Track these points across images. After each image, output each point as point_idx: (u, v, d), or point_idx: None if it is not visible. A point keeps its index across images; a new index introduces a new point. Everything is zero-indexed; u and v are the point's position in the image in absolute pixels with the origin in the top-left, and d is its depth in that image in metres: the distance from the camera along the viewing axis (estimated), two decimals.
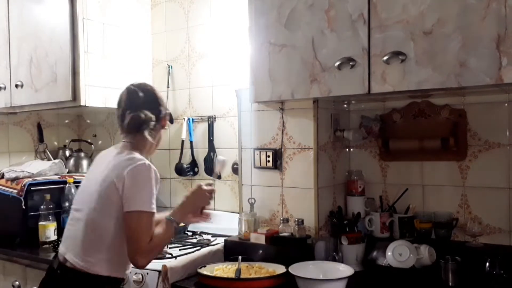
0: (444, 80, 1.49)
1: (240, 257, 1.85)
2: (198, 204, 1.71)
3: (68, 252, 1.61)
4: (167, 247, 2.16)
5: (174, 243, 2.25)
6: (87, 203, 1.61)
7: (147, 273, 1.86)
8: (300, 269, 1.71)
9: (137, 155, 1.61)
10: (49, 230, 2.40)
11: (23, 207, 2.47)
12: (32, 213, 2.49)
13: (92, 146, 3.13)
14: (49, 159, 2.96)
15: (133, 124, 1.69)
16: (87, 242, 1.58)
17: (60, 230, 2.45)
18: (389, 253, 1.77)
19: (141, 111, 1.68)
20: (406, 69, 1.55)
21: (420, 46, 1.53)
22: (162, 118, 1.74)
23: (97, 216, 1.57)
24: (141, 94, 1.71)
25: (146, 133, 1.68)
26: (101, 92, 2.56)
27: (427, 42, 1.52)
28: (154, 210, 1.54)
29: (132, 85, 1.76)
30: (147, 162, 1.58)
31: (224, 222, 2.45)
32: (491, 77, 1.41)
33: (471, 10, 1.44)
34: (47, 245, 2.36)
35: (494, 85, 1.47)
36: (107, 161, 1.66)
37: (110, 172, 1.57)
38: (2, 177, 2.64)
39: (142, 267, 1.56)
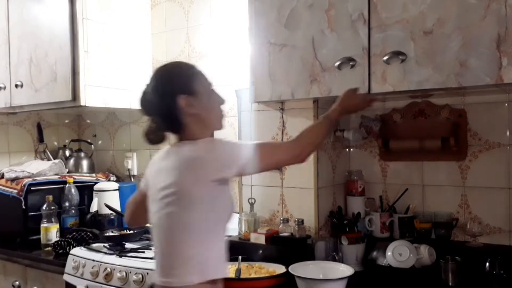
0: (444, 80, 1.49)
1: (240, 257, 1.85)
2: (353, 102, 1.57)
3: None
4: None
5: None
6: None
7: (147, 273, 1.87)
8: (300, 269, 1.71)
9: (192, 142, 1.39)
10: (51, 232, 2.39)
11: (23, 207, 2.47)
12: (32, 213, 2.49)
13: (92, 146, 3.13)
14: (49, 159, 2.96)
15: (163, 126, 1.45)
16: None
17: (61, 231, 2.46)
18: (389, 253, 1.77)
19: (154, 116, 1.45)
20: (406, 69, 1.55)
21: (420, 46, 1.53)
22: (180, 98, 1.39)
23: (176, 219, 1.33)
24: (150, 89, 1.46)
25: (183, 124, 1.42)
26: (101, 92, 2.56)
27: (427, 42, 1.51)
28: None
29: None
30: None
31: None
32: (491, 77, 1.41)
33: (471, 10, 1.44)
34: (49, 248, 2.35)
35: (494, 85, 1.47)
36: (169, 165, 1.39)
37: (182, 169, 1.33)
38: (2, 177, 2.63)
39: (304, 158, 1.43)
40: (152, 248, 2.19)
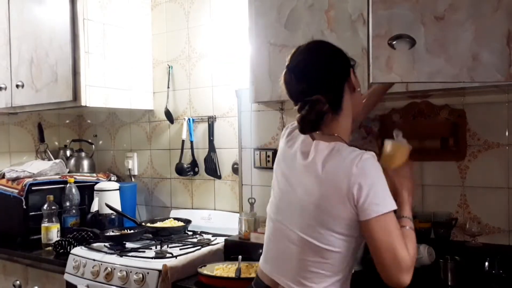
0: (457, 73, 1.37)
1: (240, 257, 1.86)
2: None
3: (280, 275, 1.31)
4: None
5: (175, 243, 2.26)
6: (298, 217, 1.28)
7: (148, 273, 1.87)
8: None
9: (347, 147, 1.25)
10: (51, 232, 2.40)
11: (24, 207, 2.48)
12: (33, 213, 2.50)
13: (93, 146, 3.14)
14: (49, 159, 2.96)
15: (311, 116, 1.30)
16: (307, 267, 1.25)
17: (62, 231, 2.47)
18: None
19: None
20: (416, 57, 1.38)
21: (431, 32, 1.38)
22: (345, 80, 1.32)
23: (317, 235, 1.23)
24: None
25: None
26: (102, 92, 2.57)
27: (439, 29, 1.38)
28: (395, 206, 1.21)
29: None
30: (368, 152, 1.22)
31: (224, 222, 2.45)
32: (502, 74, 1.34)
33: None
34: (50, 247, 2.36)
35: (500, 84, 1.43)
36: (314, 165, 1.26)
37: (330, 180, 1.21)
38: (3, 177, 2.64)
39: (405, 285, 1.19)
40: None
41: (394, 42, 1.40)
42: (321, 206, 1.22)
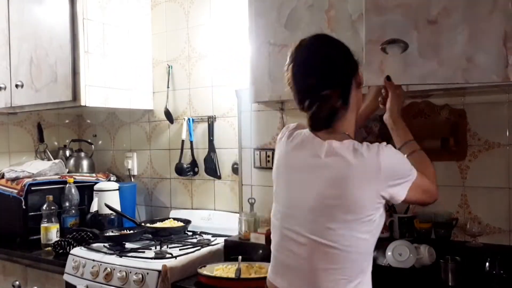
0: (451, 75, 1.39)
1: (240, 257, 1.86)
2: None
3: None
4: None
5: (174, 243, 2.25)
6: (310, 221, 1.23)
7: (147, 273, 1.87)
8: None
9: (362, 144, 1.22)
10: (51, 232, 2.39)
11: (23, 207, 2.47)
12: (32, 213, 2.49)
13: (92, 146, 3.14)
14: (49, 159, 2.96)
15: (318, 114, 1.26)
16: (320, 277, 1.21)
17: (61, 231, 2.46)
18: (389, 253, 1.77)
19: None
20: (408, 60, 1.43)
21: (424, 36, 1.41)
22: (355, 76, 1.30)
23: (329, 233, 1.19)
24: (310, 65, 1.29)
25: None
26: (101, 92, 2.57)
27: (431, 32, 1.40)
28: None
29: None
30: (381, 144, 1.23)
31: (224, 222, 2.45)
32: (498, 75, 1.35)
33: (479, 2, 1.36)
34: (49, 248, 2.35)
35: (499, 85, 1.42)
36: (336, 163, 1.20)
37: (357, 177, 1.18)
38: (2, 177, 2.64)
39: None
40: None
41: (386, 47, 1.42)
42: (344, 205, 1.17)
